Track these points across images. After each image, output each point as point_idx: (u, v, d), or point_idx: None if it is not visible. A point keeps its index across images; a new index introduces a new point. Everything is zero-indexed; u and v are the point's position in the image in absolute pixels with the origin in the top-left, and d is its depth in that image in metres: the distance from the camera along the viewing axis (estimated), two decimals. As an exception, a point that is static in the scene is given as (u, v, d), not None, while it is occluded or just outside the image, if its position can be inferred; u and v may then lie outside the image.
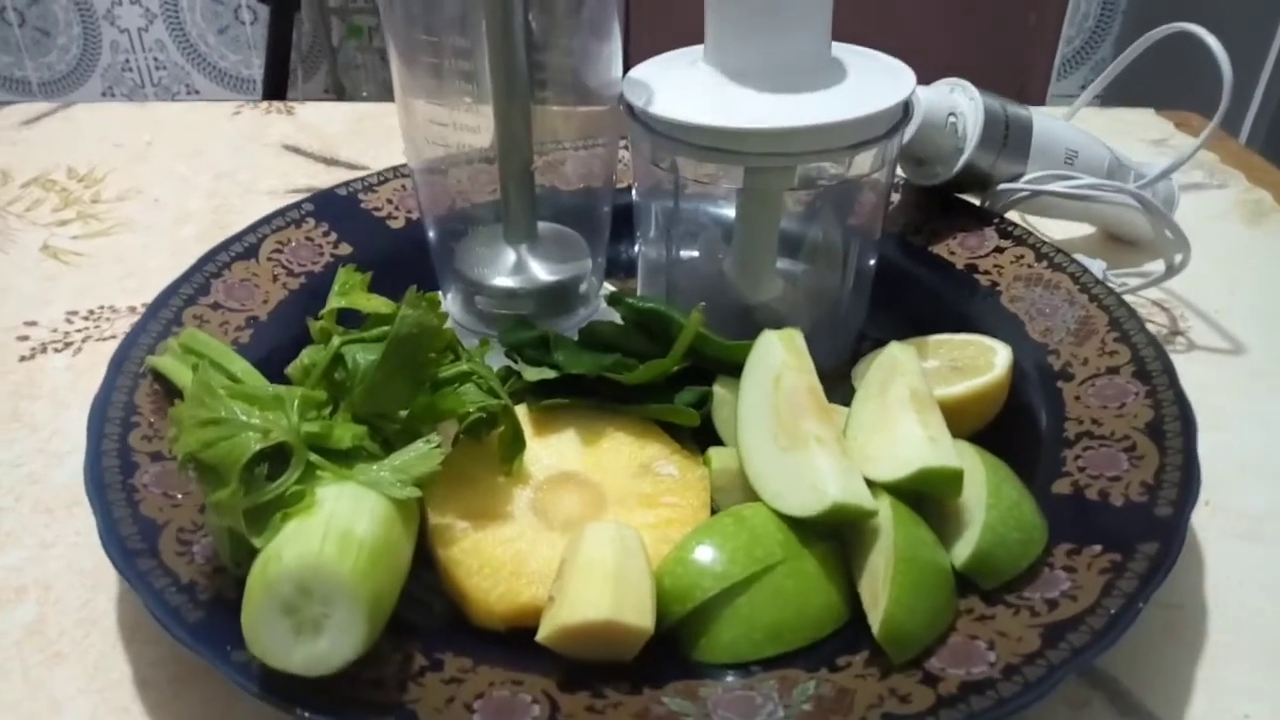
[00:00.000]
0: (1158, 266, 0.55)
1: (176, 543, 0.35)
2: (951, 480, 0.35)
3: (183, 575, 0.33)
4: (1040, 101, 1.49)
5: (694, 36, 0.45)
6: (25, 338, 0.53)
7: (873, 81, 0.43)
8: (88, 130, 0.77)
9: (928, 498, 0.36)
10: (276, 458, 0.31)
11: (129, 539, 0.34)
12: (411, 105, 0.45)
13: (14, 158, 0.72)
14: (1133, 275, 0.57)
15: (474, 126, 0.45)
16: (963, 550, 0.35)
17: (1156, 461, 0.38)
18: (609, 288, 0.52)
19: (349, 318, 0.39)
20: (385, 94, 1.99)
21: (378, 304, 0.37)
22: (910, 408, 0.37)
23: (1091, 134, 0.57)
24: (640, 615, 0.31)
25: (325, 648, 0.28)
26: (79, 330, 0.54)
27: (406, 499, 0.33)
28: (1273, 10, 1.32)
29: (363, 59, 2.02)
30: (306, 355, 0.37)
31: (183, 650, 0.31)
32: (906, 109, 0.43)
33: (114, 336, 0.53)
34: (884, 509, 0.34)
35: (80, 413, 0.42)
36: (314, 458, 0.32)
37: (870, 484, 0.35)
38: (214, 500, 0.30)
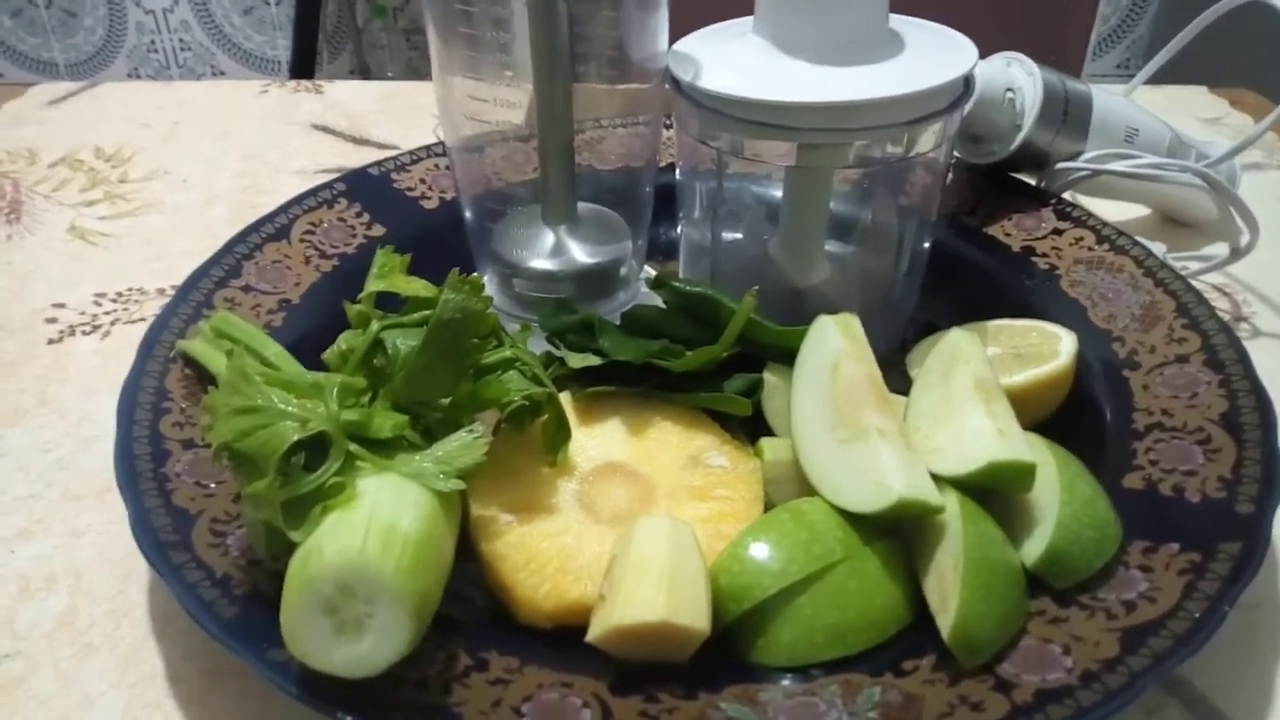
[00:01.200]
0: (1217, 249, 0.52)
1: (210, 534, 0.33)
2: (1023, 475, 0.33)
3: (217, 569, 0.32)
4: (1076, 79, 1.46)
5: (740, 7, 0.43)
6: (54, 320, 0.52)
7: (932, 54, 0.41)
8: (115, 110, 0.76)
9: (996, 493, 0.34)
10: (315, 448, 0.30)
11: (161, 530, 0.33)
12: (449, 81, 0.43)
13: (41, 137, 0.71)
14: (1194, 259, 0.55)
15: (513, 102, 0.43)
16: (1034, 548, 0.33)
17: (1234, 455, 0.36)
18: (649, 271, 0.50)
19: (387, 301, 0.37)
20: (410, 74, 1.97)
21: (418, 287, 0.36)
22: (976, 398, 0.35)
23: (1150, 112, 0.54)
24: (696, 616, 0.30)
25: (368, 648, 0.27)
26: (107, 313, 0.53)
27: (450, 491, 0.31)
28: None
29: (388, 39, 2.00)
30: (344, 340, 0.35)
31: (217, 645, 0.30)
32: (968, 83, 0.41)
33: (143, 319, 0.52)
34: (951, 505, 0.32)
35: (109, 397, 0.40)
36: (354, 448, 0.31)
37: (935, 478, 0.33)
38: (250, 492, 0.29)
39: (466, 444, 0.32)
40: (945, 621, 0.30)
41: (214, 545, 0.33)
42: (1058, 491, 0.33)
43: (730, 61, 0.41)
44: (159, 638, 0.36)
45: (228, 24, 2.01)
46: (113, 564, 0.38)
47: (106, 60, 2.08)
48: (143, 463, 0.36)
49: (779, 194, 0.47)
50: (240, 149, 0.70)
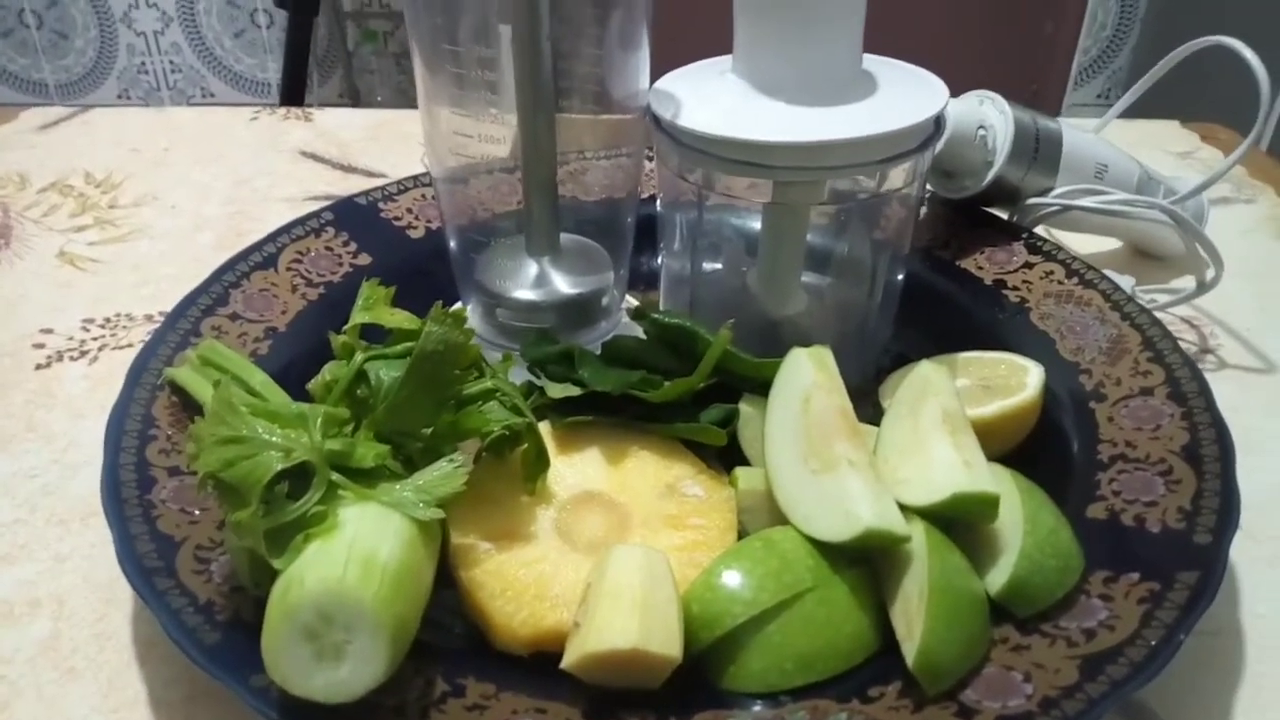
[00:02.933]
0: (1186, 283, 0.54)
1: (194, 560, 0.34)
2: (987, 506, 0.34)
3: (200, 595, 0.33)
4: (1056, 112, 1.48)
5: (718, 46, 0.44)
6: (41, 345, 0.53)
7: (905, 94, 0.42)
8: (105, 135, 0.76)
9: (961, 523, 0.35)
10: (298, 477, 0.31)
11: (146, 556, 0.34)
12: (435, 114, 0.45)
13: (31, 162, 0.72)
14: (1161, 292, 0.56)
15: (498, 137, 0.44)
16: (998, 578, 0.34)
17: (1194, 487, 0.37)
18: (631, 301, 0.51)
19: (372, 333, 0.38)
20: (399, 99, 1.99)
21: (402, 319, 0.37)
22: (943, 429, 0.36)
23: (1120, 148, 0.56)
24: (668, 644, 0.30)
25: (347, 675, 0.28)
26: (95, 339, 0.54)
27: (430, 520, 0.32)
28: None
29: (377, 64, 2.02)
30: (329, 371, 0.36)
31: (199, 671, 0.31)
32: (939, 122, 0.42)
33: (130, 345, 0.53)
34: (917, 535, 0.33)
35: (96, 423, 0.41)
36: (336, 477, 0.31)
37: (903, 508, 0.34)
38: (234, 520, 0.30)
39: (446, 473, 0.33)
40: (910, 649, 0.31)
41: (198, 572, 0.34)
42: (1021, 522, 0.34)
43: (709, 100, 0.42)
44: (142, 663, 0.36)
45: (218, 46, 2.03)
46: (97, 589, 0.39)
47: (97, 81, 2.09)
48: (128, 489, 0.36)
49: (758, 226, 0.48)
50: (229, 175, 0.71)
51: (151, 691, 0.35)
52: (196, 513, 0.36)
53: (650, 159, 0.52)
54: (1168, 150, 0.74)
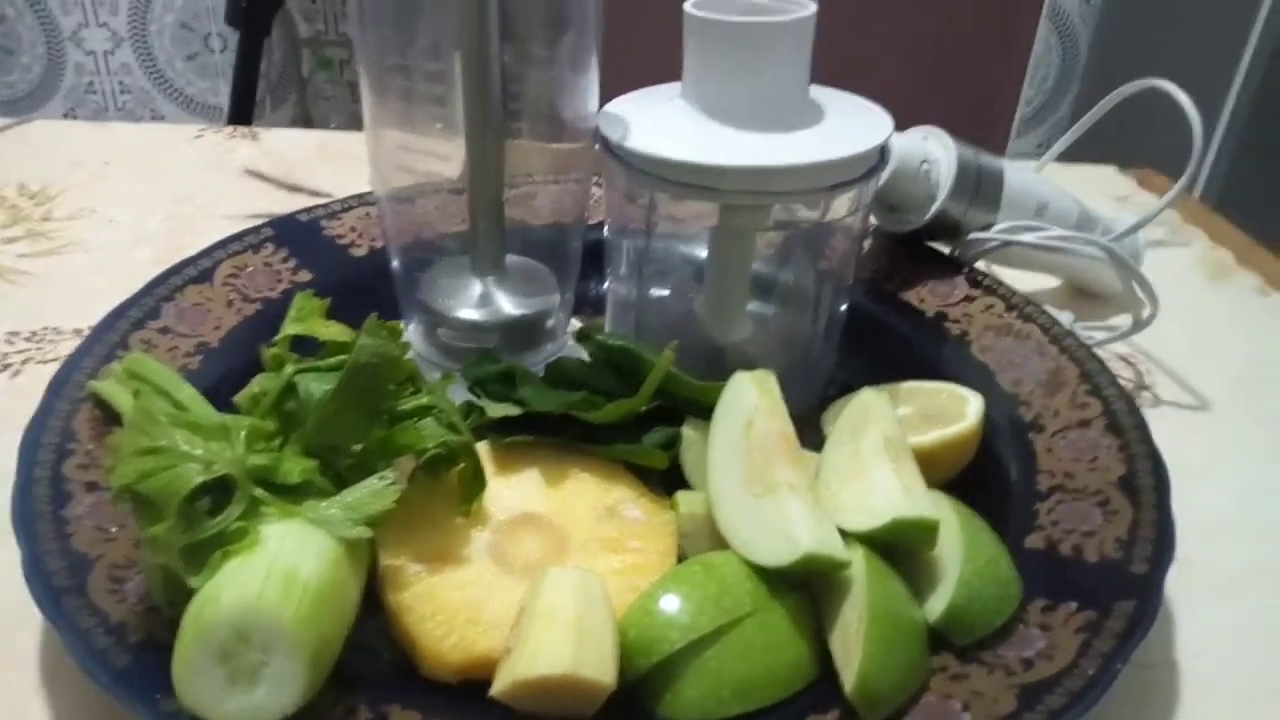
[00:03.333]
0: (1123, 320, 0.55)
1: (108, 580, 0.32)
2: (926, 532, 0.34)
3: (113, 615, 0.31)
4: (1000, 155, 1.52)
5: (667, 72, 0.44)
6: (-39, 358, 0.51)
7: (851, 123, 0.42)
8: (45, 148, 0.74)
9: (901, 549, 0.35)
10: (219, 491, 0.30)
11: (55, 574, 0.32)
12: (380, 131, 0.44)
13: (-38, 172, 0.70)
14: (1099, 329, 0.57)
15: (444, 155, 0.44)
16: (937, 605, 0.33)
17: (1130, 517, 0.38)
18: (576, 324, 0.50)
19: (305, 346, 0.37)
20: (354, 126, 1.97)
21: (335, 331, 0.36)
22: (884, 456, 0.36)
23: (1059, 187, 0.57)
24: (602, 669, 0.29)
25: (261, 698, 0.26)
26: (19, 351, 0.52)
27: (357, 539, 0.31)
28: (1227, 68, 1.36)
29: (332, 90, 2.01)
30: (257, 383, 0.35)
31: (109, 696, 0.29)
32: (883, 152, 0.43)
33: (57, 359, 0.51)
34: (857, 561, 0.33)
35: (15, 438, 0.39)
36: (259, 492, 0.30)
37: (843, 534, 0.34)
38: (150, 535, 0.28)
39: (376, 491, 0.32)
40: (849, 676, 0.31)
41: (111, 591, 0.32)
42: (960, 549, 0.34)
43: (657, 124, 0.42)
44: (49, 687, 0.34)
45: (170, 69, 2.00)
46: (5, 609, 0.37)
47: (42, 99, 2.05)
48: (41, 504, 0.35)
49: (704, 253, 0.48)
50: (171, 192, 0.69)
51: (58, 717, 0.33)
52: (113, 530, 0.34)
53: (599, 185, 0.52)
54: (1105, 194, 0.76)
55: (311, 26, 1.94)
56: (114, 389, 0.38)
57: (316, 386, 0.32)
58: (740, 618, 0.32)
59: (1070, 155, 0.62)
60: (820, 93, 0.44)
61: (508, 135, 0.43)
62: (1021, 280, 0.62)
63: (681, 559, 0.36)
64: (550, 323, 0.47)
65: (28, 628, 0.36)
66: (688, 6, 0.41)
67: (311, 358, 0.35)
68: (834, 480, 0.37)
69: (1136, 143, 0.96)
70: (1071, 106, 1.98)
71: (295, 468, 0.31)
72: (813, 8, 0.40)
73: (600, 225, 0.49)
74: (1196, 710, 0.36)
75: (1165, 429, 0.48)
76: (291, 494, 0.31)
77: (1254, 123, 1.36)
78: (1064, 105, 1.99)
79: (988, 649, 0.33)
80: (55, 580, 0.32)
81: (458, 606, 0.33)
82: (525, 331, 0.46)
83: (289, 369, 0.33)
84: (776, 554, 0.33)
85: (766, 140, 0.40)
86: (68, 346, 0.52)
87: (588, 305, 0.54)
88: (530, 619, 0.30)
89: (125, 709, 0.28)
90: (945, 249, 0.55)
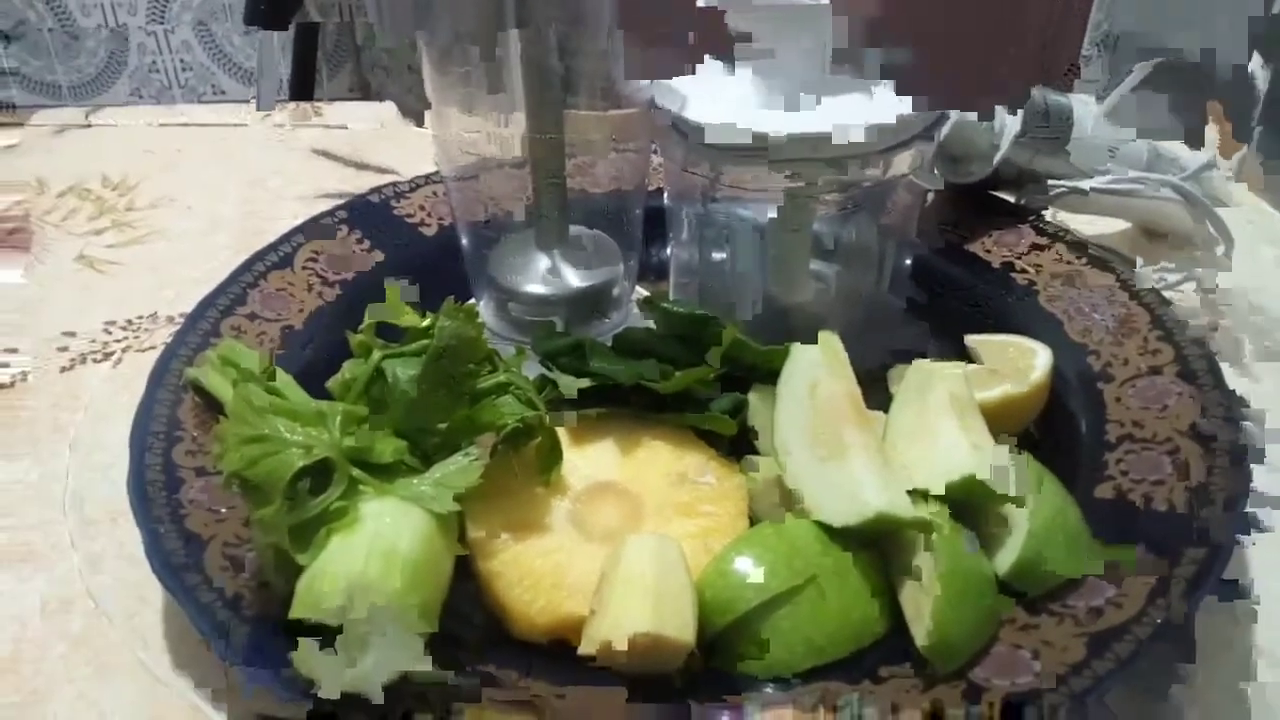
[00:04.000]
0: (1195, 261, 0.54)
1: (222, 557, 0.35)
2: (994, 489, 0.34)
3: (229, 590, 0.34)
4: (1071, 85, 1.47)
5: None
6: (65, 349, 0.54)
7: (907, 82, 0.42)
8: (119, 138, 0.77)
9: (970, 505, 0.35)
10: (320, 473, 0.32)
11: (174, 554, 0.35)
12: (444, 114, 0.45)
13: (48, 167, 0.73)
14: (1171, 272, 0.56)
15: (506, 135, 0.45)
16: (1006, 558, 0.34)
17: (1201, 465, 0.38)
18: (641, 292, 0.52)
19: (390, 331, 0.39)
20: (409, 93, 1.99)
21: (415, 318, 0.37)
22: (951, 413, 0.37)
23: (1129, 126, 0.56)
24: (681, 629, 0.31)
25: (371, 664, 0.29)
26: (118, 340, 0.55)
27: (447, 513, 0.33)
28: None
29: (389, 59, 2.02)
30: (347, 370, 0.37)
31: (231, 666, 0.31)
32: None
33: (153, 347, 0.54)
34: (925, 518, 0.34)
35: (120, 424, 0.42)
36: (356, 473, 0.32)
37: (911, 492, 0.35)
38: (259, 517, 0.31)
39: (463, 467, 0.34)
40: (920, 630, 0.32)
41: (225, 568, 0.35)
42: (1029, 503, 0.35)
43: (712, 94, 0.43)
44: (174, 658, 0.37)
45: (228, 44, 2.04)
46: (128, 587, 0.40)
47: (109, 82, 2.11)
48: (155, 489, 0.37)
49: (765, 216, 0.48)
50: (242, 175, 0.72)
51: (186, 685, 0.36)
52: (223, 511, 0.37)
53: (657, 151, 0.52)
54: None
55: (362, -7, 1.94)
56: (211, 376, 0.41)
57: (403, 371, 0.34)
58: (811, 577, 0.33)
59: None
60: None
61: (566, 107, 0.44)
62: (1088, 225, 0.61)
63: (752, 522, 0.37)
64: (616, 291, 0.49)
65: (150, 605, 0.39)
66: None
67: (396, 343, 0.37)
68: (901, 439, 0.37)
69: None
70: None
71: (387, 448, 0.33)
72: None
73: (661, 191, 0.49)
74: (1270, 655, 0.36)
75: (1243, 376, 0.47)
76: (385, 473, 0.33)
77: None
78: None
79: (1057, 599, 0.34)
80: (174, 559, 0.34)
81: (543, 572, 0.34)
82: (592, 302, 0.47)
83: (376, 355, 0.35)
84: (846, 514, 0.34)
85: (824, 105, 0.41)
86: (162, 334, 0.55)
87: (651, 271, 0.55)
88: (612, 583, 0.32)
89: (248, 678, 0.31)
90: (1011, 198, 0.54)
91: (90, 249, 0.63)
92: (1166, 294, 0.47)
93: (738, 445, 0.41)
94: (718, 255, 0.50)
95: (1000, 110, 0.51)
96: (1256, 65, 0.47)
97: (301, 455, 0.31)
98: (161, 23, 1.91)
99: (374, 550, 0.29)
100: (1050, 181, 0.52)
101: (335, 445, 0.32)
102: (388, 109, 0.81)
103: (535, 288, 0.47)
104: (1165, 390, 0.42)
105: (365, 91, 2.01)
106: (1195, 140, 0.54)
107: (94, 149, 0.76)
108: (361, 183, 0.69)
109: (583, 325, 0.47)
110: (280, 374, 0.40)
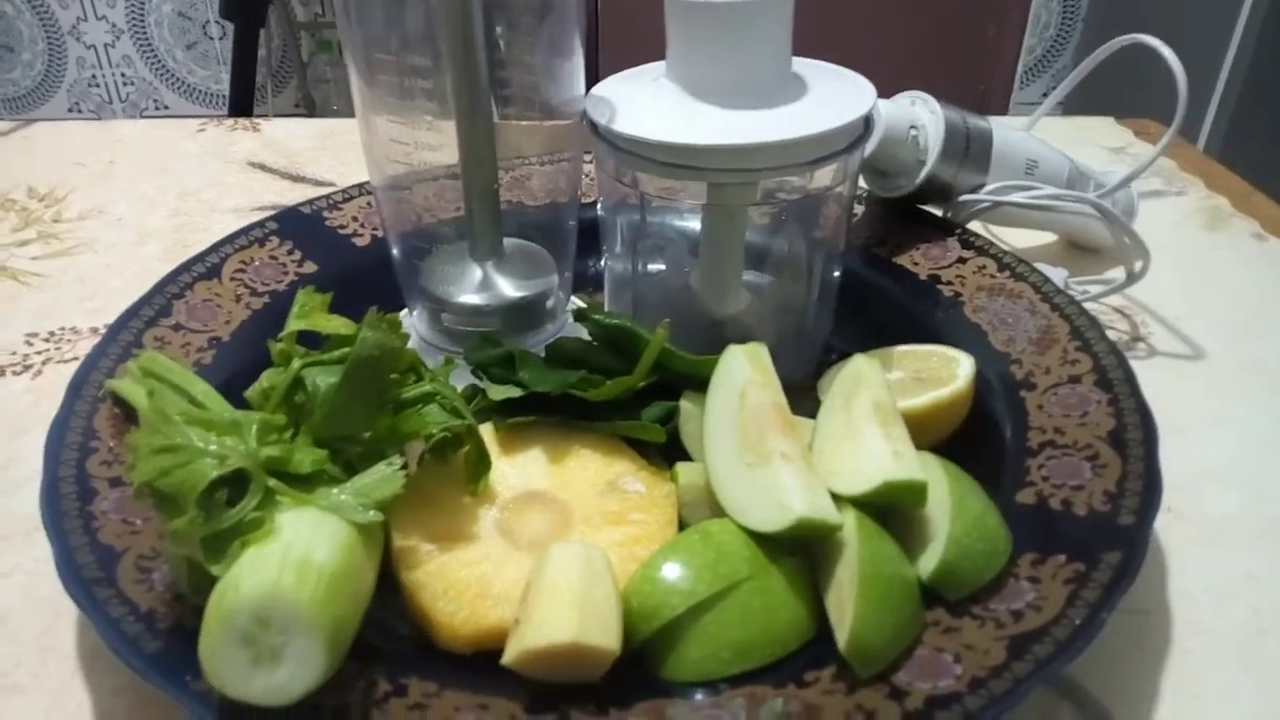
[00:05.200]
0: (1119, 273, 0.55)
1: (135, 570, 0.34)
2: (915, 493, 0.35)
3: (141, 604, 0.33)
4: (1003, 109, 1.51)
5: (659, 52, 0.45)
6: (-17, 361, 0.53)
7: (833, 96, 0.43)
8: (49, 149, 0.76)
9: (893, 511, 0.36)
10: (235, 484, 0.31)
11: (86, 567, 0.34)
12: (373, 123, 0.45)
13: (-27, 178, 0.71)
14: (1095, 283, 0.58)
15: (436, 145, 0.44)
16: (928, 563, 0.35)
17: (1119, 470, 0.39)
18: (577, 302, 0.52)
19: (310, 340, 0.38)
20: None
21: (338, 325, 0.37)
22: (874, 420, 0.37)
23: (1051, 144, 0.57)
24: (606, 636, 0.31)
25: (285, 677, 0.28)
26: (39, 352, 0.53)
27: (369, 523, 0.32)
28: (1228, 16, 1.34)
29: (333, 73, 2.01)
30: (266, 378, 0.36)
31: (141, 679, 0.31)
32: (867, 123, 0.43)
33: (75, 358, 0.52)
34: (849, 523, 0.34)
35: (39, 437, 0.41)
36: (273, 483, 0.32)
37: (836, 498, 0.35)
38: (172, 529, 0.30)
39: (385, 476, 0.33)
40: (842, 633, 0.32)
41: (139, 581, 0.34)
42: (949, 508, 0.35)
43: (643, 105, 0.43)
44: (86, 674, 0.36)
45: (170, 59, 2.01)
46: (40, 603, 0.39)
47: (46, 95, 2.06)
48: (69, 501, 0.36)
49: (698, 227, 0.49)
50: (176, 187, 0.70)
51: (97, 702, 0.35)
52: (138, 523, 0.36)
53: (590, 162, 0.53)
54: (1102, 145, 0.76)
55: (309, 10, 1.94)
56: (131, 387, 0.40)
57: (323, 379, 0.34)
58: (738, 582, 0.33)
59: (1075, 108, 0.62)
60: (804, 65, 0.45)
61: (498, 119, 0.44)
62: (1017, 237, 0.62)
63: (682, 528, 0.37)
64: (550, 303, 0.48)
65: (62, 619, 0.38)
66: (668, -13, 0.41)
67: (317, 351, 0.36)
68: (827, 446, 0.38)
69: (1138, 93, 0.96)
70: (1074, 55, 1.96)
71: (307, 458, 0.32)
72: (791, -16, 0.41)
73: (595, 203, 0.50)
74: (1188, 652, 0.37)
75: (1160, 379, 0.49)
76: (304, 483, 0.32)
77: (1257, 69, 1.34)
78: (1067, 53, 1.97)
79: (979, 603, 0.34)
80: (86, 572, 0.33)
81: (468, 582, 0.34)
82: (526, 313, 0.47)
83: (296, 363, 0.34)
84: (771, 520, 0.34)
85: (750, 117, 0.41)
86: (85, 345, 0.54)
87: (588, 282, 0.55)
88: (537, 592, 0.32)
89: (158, 691, 0.30)
90: (938, 211, 0.55)
91: (13, 260, 0.62)
92: (1090, 305, 0.48)
93: (669, 453, 0.41)
94: (652, 266, 0.51)
95: (925, 127, 0.52)
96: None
97: (215, 465, 0.30)
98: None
99: (289, 560, 0.29)
100: (974, 196, 0.53)
101: (251, 455, 0.31)
102: (326, 125, 0.81)
103: (468, 298, 0.46)
104: (1085, 398, 0.43)
105: (311, 107, 2.00)
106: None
107: (22, 160, 0.74)
108: (297, 195, 0.68)
109: (517, 336, 0.47)
110: (201, 384, 0.39)
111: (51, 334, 0.55)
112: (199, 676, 0.29)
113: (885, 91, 0.47)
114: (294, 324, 0.37)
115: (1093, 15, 1.89)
